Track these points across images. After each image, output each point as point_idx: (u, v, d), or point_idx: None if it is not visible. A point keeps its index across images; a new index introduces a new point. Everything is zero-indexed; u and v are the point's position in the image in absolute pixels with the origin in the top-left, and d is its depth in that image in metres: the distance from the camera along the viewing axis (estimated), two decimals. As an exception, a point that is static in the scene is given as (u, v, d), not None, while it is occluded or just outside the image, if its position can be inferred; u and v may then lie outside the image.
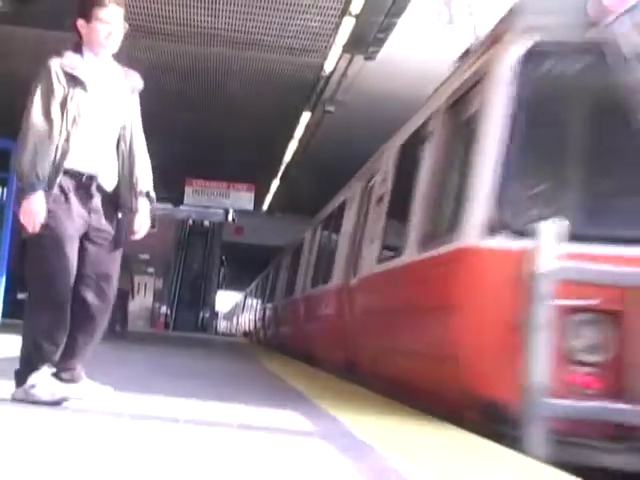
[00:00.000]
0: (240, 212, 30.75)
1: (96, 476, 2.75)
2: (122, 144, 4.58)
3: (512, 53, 4.99)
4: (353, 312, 8.73)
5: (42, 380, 4.39)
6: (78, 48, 4.56)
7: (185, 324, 37.59)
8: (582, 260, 4.43)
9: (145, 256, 31.70)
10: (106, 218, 4.52)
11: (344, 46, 12.03)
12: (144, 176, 4.65)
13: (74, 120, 4.38)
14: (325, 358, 10.82)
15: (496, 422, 4.59)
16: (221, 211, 33.18)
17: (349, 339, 8.87)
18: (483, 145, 5.05)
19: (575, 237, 4.41)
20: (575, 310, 4.49)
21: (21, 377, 4.43)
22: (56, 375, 4.56)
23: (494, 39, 5.38)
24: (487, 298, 4.78)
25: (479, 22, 12.55)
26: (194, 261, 40.04)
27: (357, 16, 10.92)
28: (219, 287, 45.68)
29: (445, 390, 5.27)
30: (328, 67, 13.08)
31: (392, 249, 7.14)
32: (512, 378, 4.36)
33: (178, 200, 25.72)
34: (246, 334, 33.56)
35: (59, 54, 4.50)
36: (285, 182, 23.06)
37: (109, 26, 4.51)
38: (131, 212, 4.58)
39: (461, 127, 5.84)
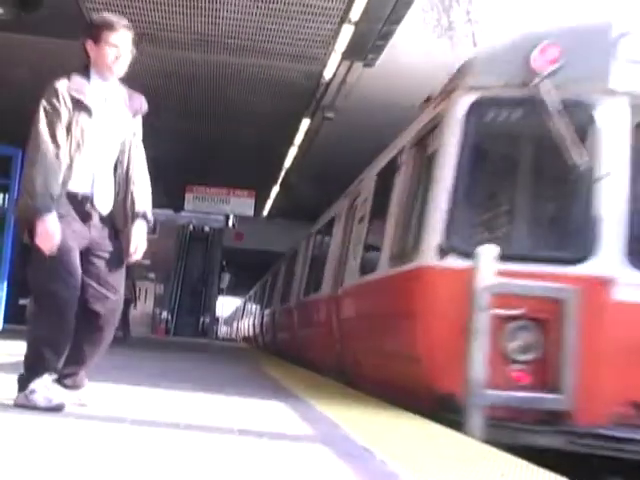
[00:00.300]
0: (240, 218, 30.76)
1: (97, 482, 2.75)
2: (119, 167, 4.57)
3: (460, 106, 6.05)
4: (340, 318, 9.62)
5: (41, 386, 4.39)
6: (85, 70, 4.55)
7: (186, 329, 37.56)
8: (511, 277, 5.42)
9: (146, 262, 31.70)
10: (107, 234, 4.53)
11: (343, 53, 12.04)
12: (141, 198, 4.61)
13: (78, 146, 4.39)
14: (317, 361, 11.59)
15: (448, 411, 5.50)
16: (221, 217, 33.19)
17: (337, 343, 9.77)
18: (437, 181, 6.07)
19: (507, 258, 5.42)
20: (509, 318, 5.49)
21: (23, 383, 4.44)
22: (59, 381, 4.56)
23: (448, 92, 6.43)
24: (439, 309, 5.78)
25: (478, 29, 12.60)
26: (195, 267, 40.05)
27: (356, 23, 10.93)
28: (221, 293, 45.68)
29: (411, 385, 6.23)
30: (327, 74, 13.09)
31: (370, 264, 8.06)
32: (460, 374, 5.25)
33: (179, 206, 25.72)
34: (246, 339, 33.64)
35: (67, 75, 4.47)
36: (285, 188, 23.07)
37: (118, 50, 4.51)
38: (126, 234, 4.55)
39: (422, 163, 6.88)
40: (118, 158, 4.57)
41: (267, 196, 24.86)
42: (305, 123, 16.08)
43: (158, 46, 12.28)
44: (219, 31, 11.52)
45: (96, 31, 4.53)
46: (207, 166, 21.35)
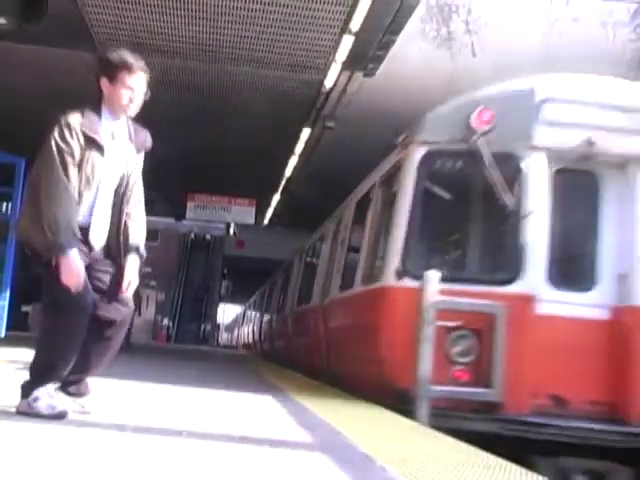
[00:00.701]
0: (241, 226, 30.78)
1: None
2: (116, 200, 4.57)
3: (415, 156, 7.38)
4: (325, 326, 10.83)
5: (45, 394, 4.39)
6: (97, 107, 4.53)
7: (187, 336, 37.55)
8: (453, 295, 6.69)
9: (147, 269, 31.72)
10: (104, 255, 4.56)
11: (344, 63, 12.05)
12: (135, 232, 4.61)
13: (87, 182, 4.39)
14: (308, 364, 12.55)
15: (404, 403, 6.60)
16: (223, 225, 33.21)
17: (323, 348, 10.92)
18: (396, 215, 7.39)
19: (451, 279, 6.75)
20: (451, 328, 6.77)
21: (27, 390, 4.43)
22: (62, 388, 4.56)
23: (406, 144, 7.77)
24: (397, 321, 7.08)
25: (476, 39, 12.63)
26: (196, 274, 40.05)
27: (356, 34, 10.94)
28: (222, 300, 45.67)
29: (377, 383, 7.43)
30: (328, 83, 13.10)
31: (348, 281, 9.43)
32: (412, 373, 6.44)
33: (180, 214, 25.73)
34: (245, 346, 33.73)
35: (80, 110, 4.46)
36: (285, 196, 23.08)
37: (133, 93, 4.49)
38: (119, 266, 4.55)
39: (387, 199, 8.21)
40: (116, 191, 4.56)
41: (268, 204, 24.87)
42: (306, 132, 16.10)
43: (160, 56, 12.29)
44: (221, 41, 11.54)
45: (113, 70, 4.50)
46: (208, 175, 21.36)
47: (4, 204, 17.57)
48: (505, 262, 7.28)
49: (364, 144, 16.77)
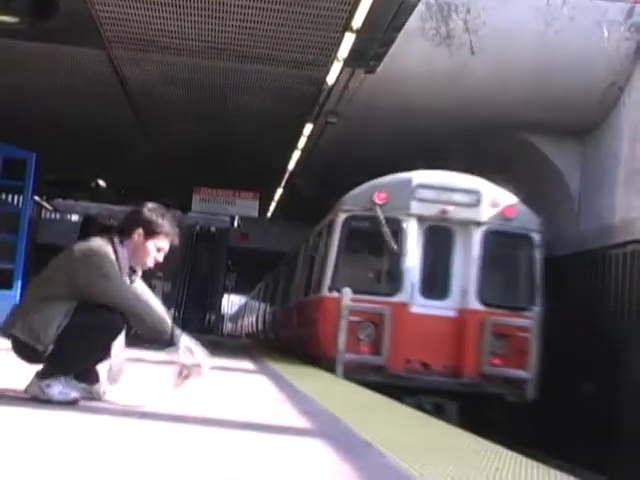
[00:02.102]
0: (245, 219, 30.75)
1: (102, 474, 2.76)
2: None
3: (340, 218, 12.01)
4: (298, 318, 15.16)
5: (58, 381, 4.40)
6: (122, 245, 4.64)
7: (192, 326, 37.53)
8: (360, 302, 11.29)
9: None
10: None
11: (345, 60, 12.02)
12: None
13: None
14: (287, 345, 16.82)
15: (331, 365, 10.91)
16: (227, 218, 33.19)
17: (294, 332, 15.51)
18: (329, 251, 12.06)
19: (360, 292, 11.31)
20: (359, 321, 11.31)
21: (39, 376, 4.44)
22: (75, 375, 4.58)
23: (336, 210, 12.24)
24: (328, 316, 11.49)
25: (475, 38, 12.61)
26: (201, 265, 40.01)
27: (358, 31, 10.91)
28: (226, 291, 45.64)
29: (316, 351, 12.12)
30: (330, 80, 13.08)
31: (307, 289, 13.89)
32: (335, 347, 10.96)
33: (186, 207, 25.73)
34: (247, 335, 33.95)
35: (112, 247, 4.57)
36: (288, 190, 23.07)
37: (159, 255, 4.71)
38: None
39: (327, 239, 12.45)
40: None
41: (271, 198, 24.85)
42: (308, 128, 16.08)
43: (167, 53, 12.28)
44: (226, 39, 11.51)
45: (154, 230, 4.67)
46: (213, 169, 21.35)
47: (16, 197, 17.58)
48: (392, 282, 11.86)
49: (364, 139, 16.78)
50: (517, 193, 12.65)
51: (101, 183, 25.93)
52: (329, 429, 4.64)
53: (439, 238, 11.91)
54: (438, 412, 10.11)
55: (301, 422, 4.82)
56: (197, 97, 14.79)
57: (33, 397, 4.40)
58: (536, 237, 12.06)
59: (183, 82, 13.92)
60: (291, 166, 19.68)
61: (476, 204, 11.81)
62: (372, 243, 11.94)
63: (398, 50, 12.20)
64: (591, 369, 12.61)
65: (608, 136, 13.54)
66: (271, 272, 26.79)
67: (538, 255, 12.05)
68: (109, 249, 4.50)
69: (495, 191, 12.08)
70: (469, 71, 13.09)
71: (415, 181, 11.80)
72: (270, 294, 24.60)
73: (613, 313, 12.47)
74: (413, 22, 11.88)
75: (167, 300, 37.76)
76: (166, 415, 4.49)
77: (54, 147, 17.98)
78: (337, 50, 11.57)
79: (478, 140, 15.41)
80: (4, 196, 19.72)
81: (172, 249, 4.85)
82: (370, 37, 11.39)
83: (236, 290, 50.73)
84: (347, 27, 10.77)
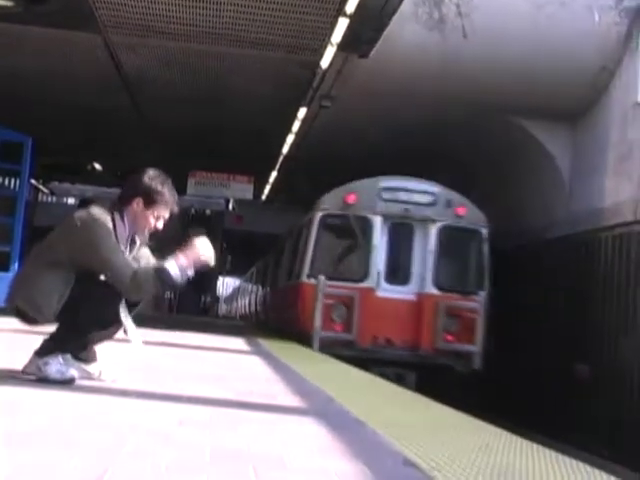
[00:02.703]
0: (240, 202, 30.72)
1: (98, 454, 2.78)
2: None
3: (317, 215, 13.68)
4: (282, 301, 17.08)
5: (56, 360, 4.42)
6: (121, 217, 4.60)
7: (188, 308, 37.57)
8: (333, 287, 12.85)
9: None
10: None
11: (339, 44, 12.00)
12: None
13: None
14: (274, 323, 19.16)
15: (309, 341, 12.32)
16: (222, 201, 33.15)
17: (280, 312, 17.56)
18: (309, 244, 13.68)
19: (333, 278, 12.93)
20: (333, 303, 12.94)
21: (38, 354, 4.45)
22: (72, 353, 4.59)
23: (314, 209, 13.93)
24: (307, 299, 13.04)
25: (467, 22, 12.58)
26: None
27: (351, 16, 10.89)
28: (221, 273, 45.65)
29: (297, 330, 13.68)
30: (323, 64, 13.05)
31: (289, 276, 15.91)
32: (313, 325, 12.41)
33: (181, 190, 25.70)
34: (242, 317, 33.98)
35: (111, 216, 4.53)
36: (283, 174, 23.06)
37: (159, 222, 4.67)
38: None
39: (306, 234, 14.05)
40: None
41: (265, 181, 24.84)
42: (302, 111, 16.05)
43: (163, 38, 12.23)
44: (221, 24, 11.46)
45: (152, 199, 4.60)
46: (209, 152, 21.32)
47: (12, 180, 17.55)
48: (360, 270, 13.45)
49: (359, 123, 16.76)
50: (508, 177, 13.05)
51: (97, 166, 25.87)
52: (323, 408, 4.67)
53: (401, 233, 13.64)
54: (399, 381, 10.96)
55: (295, 401, 4.85)
56: (192, 81, 14.75)
57: (31, 374, 4.41)
58: (484, 231, 13.74)
59: (178, 66, 13.88)
60: (285, 149, 19.66)
61: (433, 204, 13.58)
62: (344, 237, 13.83)
63: (391, 34, 12.18)
64: (581, 353, 12.85)
65: (599, 120, 13.56)
66: (262, 259, 28.89)
67: (486, 247, 13.76)
68: (107, 217, 4.48)
69: (449, 193, 13.84)
70: (461, 55, 13.07)
71: (381, 184, 13.63)
72: (261, 279, 27.06)
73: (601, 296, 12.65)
74: (406, 6, 11.86)
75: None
76: (162, 395, 4.51)
77: (50, 130, 17.93)
78: (331, 34, 11.55)
79: (471, 124, 15.41)
80: (1, 179, 19.69)
81: (167, 225, 4.80)
82: (363, 22, 11.36)
83: (231, 272, 50.76)
84: (340, 12, 10.75)
